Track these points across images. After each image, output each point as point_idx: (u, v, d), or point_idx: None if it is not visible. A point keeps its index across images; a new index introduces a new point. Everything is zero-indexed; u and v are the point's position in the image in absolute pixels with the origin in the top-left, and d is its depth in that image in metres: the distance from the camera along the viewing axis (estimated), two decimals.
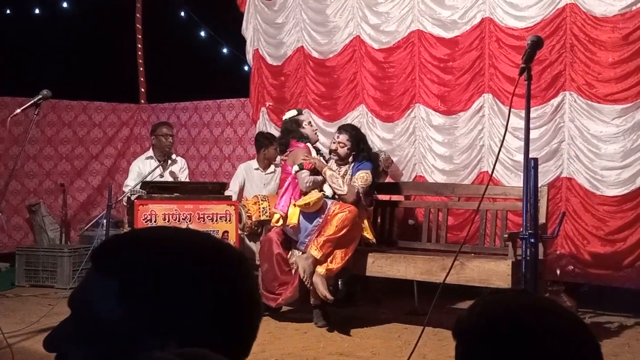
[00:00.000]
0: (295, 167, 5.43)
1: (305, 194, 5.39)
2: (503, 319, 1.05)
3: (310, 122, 5.84)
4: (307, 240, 5.31)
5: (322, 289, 5.14)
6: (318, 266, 5.21)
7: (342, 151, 5.53)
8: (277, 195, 5.78)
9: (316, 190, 5.38)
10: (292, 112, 5.82)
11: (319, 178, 5.41)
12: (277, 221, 5.47)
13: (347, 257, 5.26)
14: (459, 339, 1.08)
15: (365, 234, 5.54)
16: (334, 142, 5.61)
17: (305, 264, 5.18)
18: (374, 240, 5.62)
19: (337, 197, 5.40)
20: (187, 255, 0.94)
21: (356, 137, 5.57)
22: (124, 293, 0.91)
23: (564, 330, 1.04)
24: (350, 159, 5.56)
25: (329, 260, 5.22)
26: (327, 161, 5.65)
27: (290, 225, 5.36)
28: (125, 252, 0.94)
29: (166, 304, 0.90)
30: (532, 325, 1.03)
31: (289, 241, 5.53)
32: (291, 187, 5.50)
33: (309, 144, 5.59)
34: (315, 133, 5.81)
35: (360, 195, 5.41)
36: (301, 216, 5.34)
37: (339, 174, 5.50)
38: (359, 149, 5.54)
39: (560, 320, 1.05)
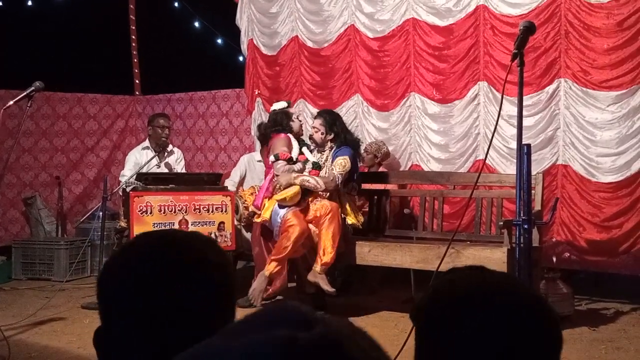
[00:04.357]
0: (271, 158, 5.38)
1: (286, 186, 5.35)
2: (452, 298, 1.07)
3: (298, 116, 5.76)
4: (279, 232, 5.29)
5: (325, 286, 5.17)
6: (314, 264, 5.21)
7: (317, 136, 5.53)
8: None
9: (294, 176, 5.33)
10: (282, 104, 5.71)
11: (295, 168, 5.37)
12: (258, 217, 5.48)
13: (336, 244, 5.22)
14: (418, 323, 1.10)
15: (348, 219, 5.50)
16: (312, 127, 5.65)
17: (258, 284, 5.24)
18: (360, 225, 5.61)
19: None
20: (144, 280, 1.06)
21: (329, 119, 5.54)
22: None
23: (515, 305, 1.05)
24: (329, 143, 5.55)
25: (320, 254, 5.21)
26: (311, 151, 5.62)
27: (262, 220, 5.36)
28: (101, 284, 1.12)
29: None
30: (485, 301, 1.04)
31: None
32: (266, 182, 5.48)
33: (290, 135, 5.53)
34: (301, 127, 5.74)
35: (338, 182, 5.36)
36: (273, 211, 5.32)
37: (321, 160, 5.51)
38: (333, 130, 5.50)
39: (512, 296, 1.07)
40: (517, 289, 1.10)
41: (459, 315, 1.03)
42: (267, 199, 5.43)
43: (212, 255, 1.13)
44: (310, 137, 5.62)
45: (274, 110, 5.71)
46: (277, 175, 5.34)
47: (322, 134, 5.52)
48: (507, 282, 1.11)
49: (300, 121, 5.72)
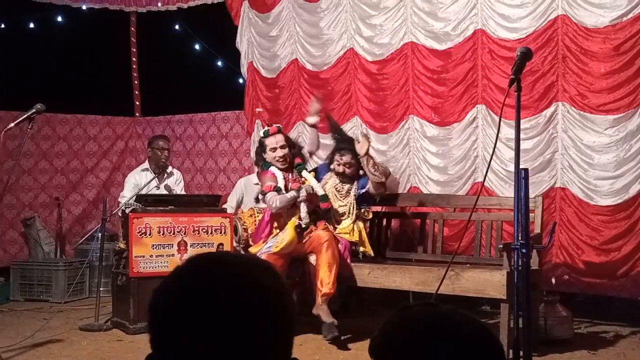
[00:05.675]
0: (260, 197, 5.45)
1: (278, 216, 5.40)
2: (406, 337, 1.12)
3: (274, 148, 5.49)
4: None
5: (325, 317, 5.14)
6: (316, 297, 5.20)
7: (351, 171, 5.66)
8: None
9: (293, 221, 5.32)
10: (261, 133, 5.71)
11: (288, 196, 5.35)
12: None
13: (332, 272, 5.19)
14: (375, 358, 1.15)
15: (361, 248, 5.57)
16: (339, 164, 5.67)
17: None
18: (371, 253, 5.64)
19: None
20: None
21: (355, 151, 5.61)
22: None
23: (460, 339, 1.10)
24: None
25: (318, 285, 5.19)
26: (315, 176, 5.66)
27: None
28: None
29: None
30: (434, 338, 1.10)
31: None
32: (263, 222, 5.49)
33: (272, 169, 5.47)
34: (278, 160, 5.47)
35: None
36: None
37: (343, 188, 5.64)
38: (358, 161, 5.62)
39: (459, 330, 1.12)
40: (466, 320, 1.14)
41: (413, 349, 1.08)
42: (262, 241, 5.43)
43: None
44: (342, 173, 5.67)
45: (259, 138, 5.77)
46: (271, 204, 5.32)
47: (356, 169, 5.66)
48: (455, 315, 1.15)
49: (275, 152, 5.48)
